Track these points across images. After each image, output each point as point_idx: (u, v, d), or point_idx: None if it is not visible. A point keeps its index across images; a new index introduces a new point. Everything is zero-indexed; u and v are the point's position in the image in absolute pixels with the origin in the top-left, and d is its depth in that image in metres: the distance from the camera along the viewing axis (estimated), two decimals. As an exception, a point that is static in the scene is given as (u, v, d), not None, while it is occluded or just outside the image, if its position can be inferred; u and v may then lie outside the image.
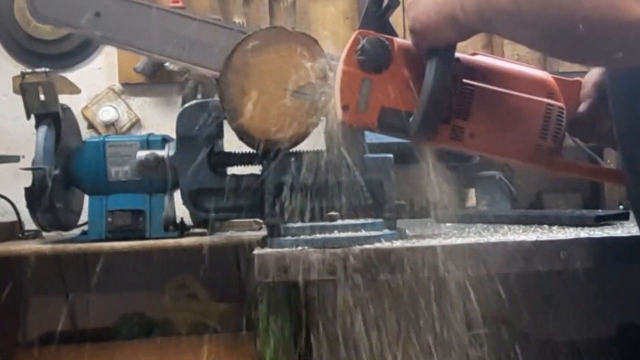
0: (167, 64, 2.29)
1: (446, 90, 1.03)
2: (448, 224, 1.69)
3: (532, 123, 1.10)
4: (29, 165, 1.79)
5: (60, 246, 1.83)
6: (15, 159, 2.16)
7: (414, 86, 1.06)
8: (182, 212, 1.87)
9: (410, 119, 1.05)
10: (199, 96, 1.97)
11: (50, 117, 1.80)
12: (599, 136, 1.20)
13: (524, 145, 1.11)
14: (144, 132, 2.28)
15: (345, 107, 1.08)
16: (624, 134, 1.06)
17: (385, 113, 1.08)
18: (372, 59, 1.07)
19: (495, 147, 1.11)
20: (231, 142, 1.48)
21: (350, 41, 1.09)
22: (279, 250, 1.19)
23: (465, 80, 1.08)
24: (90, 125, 2.38)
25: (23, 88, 1.80)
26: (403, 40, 1.09)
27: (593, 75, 1.19)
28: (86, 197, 1.90)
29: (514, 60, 1.16)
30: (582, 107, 1.17)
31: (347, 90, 1.08)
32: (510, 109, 1.09)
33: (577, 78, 1.19)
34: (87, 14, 1.33)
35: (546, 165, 1.12)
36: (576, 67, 1.06)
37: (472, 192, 2.17)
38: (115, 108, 2.37)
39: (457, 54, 1.07)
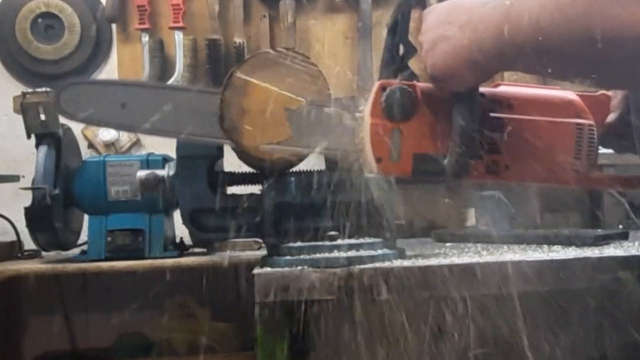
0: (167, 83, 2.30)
1: (475, 130, 1.04)
2: (447, 244, 1.69)
3: (564, 145, 1.11)
4: (29, 184, 1.79)
5: (59, 266, 1.83)
6: (15, 178, 2.16)
7: (442, 128, 1.06)
8: (181, 232, 1.87)
9: (445, 162, 1.06)
10: (199, 116, 1.97)
11: (51, 136, 1.81)
12: (630, 146, 1.19)
13: (560, 168, 1.11)
14: (144, 152, 2.29)
15: (378, 160, 1.09)
16: None
17: (419, 159, 1.08)
18: (399, 109, 1.08)
19: (532, 174, 1.11)
20: (231, 162, 1.48)
21: (373, 92, 1.09)
22: (279, 270, 1.19)
23: (492, 114, 1.08)
24: (90, 145, 2.39)
25: (24, 108, 1.80)
26: (425, 84, 1.09)
27: None
28: (86, 217, 1.90)
29: (538, 85, 1.17)
30: (611, 117, 1.17)
31: (377, 142, 1.08)
32: (541, 135, 1.10)
33: (603, 91, 1.19)
34: (113, 107, 1.32)
35: (585, 183, 1.14)
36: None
37: (471, 212, 2.17)
38: (115, 128, 2.38)
39: (481, 89, 1.07)
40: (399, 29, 1.12)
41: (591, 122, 1.12)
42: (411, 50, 1.11)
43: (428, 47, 1.02)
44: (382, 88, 1.08)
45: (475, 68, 0.97)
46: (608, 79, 0.89)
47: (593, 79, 0.89)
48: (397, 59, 1.13)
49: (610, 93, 1.19)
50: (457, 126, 1.03)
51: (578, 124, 1.11)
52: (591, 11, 0.76)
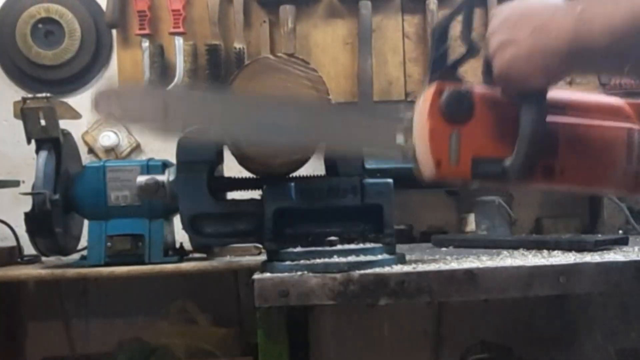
0: (167, 89, 2.30)
1: (544, 131, 1.05)
2: (447, 249, 1.69)
3: (616, 150, 1.11)
4: (29, 190, 1.79)
5: (59, 271, 1.83)
6: (15, 183, 2.16)
7: (502, 131, 1.07)
8: (181, 237, 1.87)
9: (507, 165, 1.06)
10: (199, 121, 1.97)
11: (51, 142, 1.81)
12: None
13: (612, 173, 1.12)
14: (144, 157, 2.28)
15: (437, 163, 1.08)
16: None
17: (478, 162, 1.08)
18: (457, 112, 1.07)
19: (585, 179, 1.12)
20: (231, 167, 1.48)
21: (430, 95, 1.09)
22: (279, 275, 1.19)
23: (548, 118, 1.08)
24: (91, 150, 2.38)
25: (24, 113, 1.80)
26: (480, 86, 1.10)
27: None
28: (86, 222, 1.90)
29: (586, 91, 1.17)
30: None
31: (436, 145, 1.08)
32: (594, 139, 1.10)
33: None
34: None
35: (635, 189, 1.14)
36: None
37: (471, 217, 2.17)
38: (115, 133, 2.38)
39: None
40: (462, 29, 1.11)
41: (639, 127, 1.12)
42: (473, 52, 1.11)
43: (496, 49, 1.03)
44: (439, 90, 1.08)
45: (547, 72, 0.99)
46: None
47: None
48: (446, 61, 1.12)
49: None
50: (524, 128, 1.03)
51: (629, 128, 1.12)
52: None
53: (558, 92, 1.12)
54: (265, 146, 1.28)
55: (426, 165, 1.09)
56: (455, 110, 1.07)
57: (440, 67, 1.11)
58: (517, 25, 1.01)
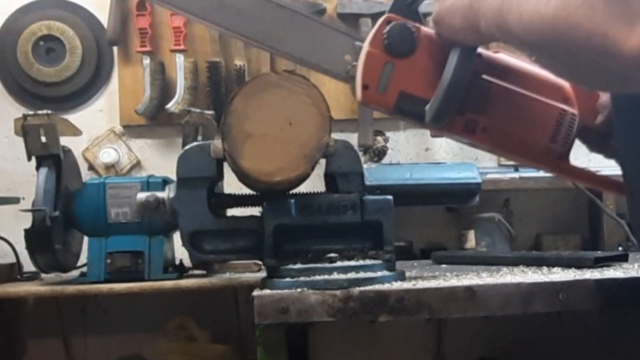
0: (168, 105, 2.31)
1: (464, 83, 1.06)
2: (447, 266, 1.68)
3: (544, 125, 1.13)
4: (29, 206, 1.79)
5: (59, 288, 1.83)
6: (15, 200, 2.16)
7: (434, 76, 1.08)
8: (181, 254, 1.87)
9: (427, 107, 1.08)
10: (200, 138, 1.98)
11: (51, 158, 1.81)
12: (613, 148, 1.20)
13: (533, 146, 1.14)
14: (144, 174, 2.29)
15: (365, 87, 1.10)
16: (624, 150, 1.08)
17: (403, 97, 1.10)
18: (397, 44, 1.10)
19: (505, 144, 1.14)
20: (230, 184, 1.49)
21: (378, 24, 1.12)
22: (278, 291, 1.19)
23: (484, 76, 1.11)
24: (91, 167, 2.39)
25: (24, 130, 1.81)
26: (430, 30, 1.11)
27: None
28: (85, 239, 1.90)
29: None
30: (600, 118, 1.18)
31: (368, 70, 1.10)
32: (525, 109, 1.12)
33: None
34: None
35: (553, 168, 1.15)
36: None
37: (471, 234, 2.17)
38: (115, 150, 2.39)
39: (480, 50, 1.10)
40: None
41: (574, 111, 1.14)
42: None
43: None
44: (387, 21, 1.11)
45: (477, 32, 1.00)
46: (580, 80, 0.92)
47: (566, 77, 0.93)
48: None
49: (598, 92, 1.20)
50: (447, 74, 1.05)
51: (562, 109, 1.13)
52: (559, 16, 0.79)
53: (504, 57, 1.14)
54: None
55: (356, 87, 1.12)
56: (396, 43, 1.10)
57: (402, 4, 1.14)
58: None
